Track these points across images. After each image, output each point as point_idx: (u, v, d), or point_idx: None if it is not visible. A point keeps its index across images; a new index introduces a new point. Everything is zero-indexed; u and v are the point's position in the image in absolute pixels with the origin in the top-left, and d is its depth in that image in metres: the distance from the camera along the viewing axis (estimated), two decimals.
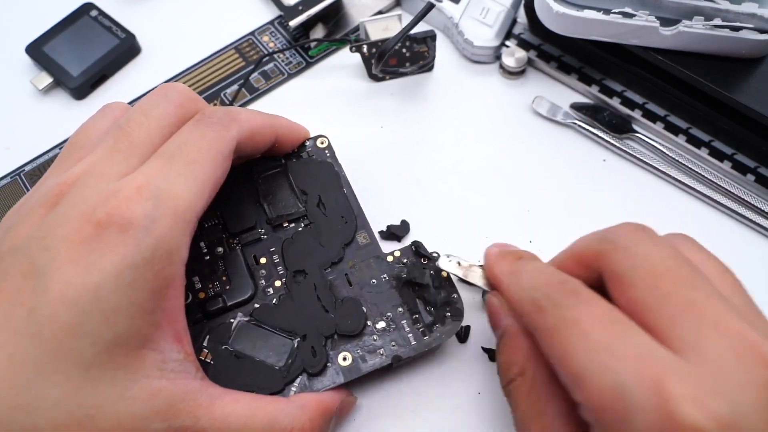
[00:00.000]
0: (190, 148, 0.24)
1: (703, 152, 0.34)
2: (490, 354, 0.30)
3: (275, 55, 0.38)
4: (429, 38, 0.36)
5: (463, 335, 0.30)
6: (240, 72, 0.38)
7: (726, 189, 0.33)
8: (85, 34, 0.38)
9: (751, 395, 0.18)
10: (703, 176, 0.33)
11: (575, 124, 0.35)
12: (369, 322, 0.27)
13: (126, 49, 0.38)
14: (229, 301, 0.28)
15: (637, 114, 0.35)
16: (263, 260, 0.29)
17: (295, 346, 0.27)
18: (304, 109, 0.35)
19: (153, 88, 0.37)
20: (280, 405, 0.25)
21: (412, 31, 0.34)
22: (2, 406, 0.20)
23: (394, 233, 0.32)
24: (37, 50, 0.37)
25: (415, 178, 0.34)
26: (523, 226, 0.33)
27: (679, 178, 0.34)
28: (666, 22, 0.32)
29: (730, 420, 0.17)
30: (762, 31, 0.31)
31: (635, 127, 0.35)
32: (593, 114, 0.35)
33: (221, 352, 0.27)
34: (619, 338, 0.19)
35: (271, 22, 0.39)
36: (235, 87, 0.37)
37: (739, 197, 0.33)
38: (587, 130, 0.35)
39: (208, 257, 0.29)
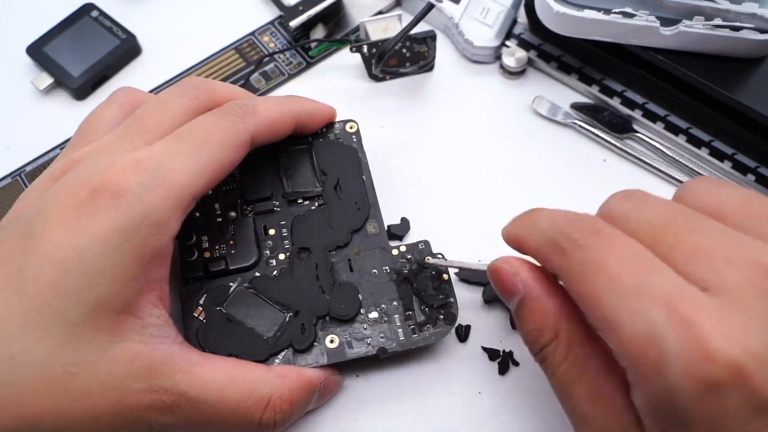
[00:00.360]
0: (201, 132, 0.25)
1: (704, 152, 0.34)
2: (491, 353, 0.30)
3: (275, 56, 0.38)
4: (429, 38, 0.36)
5: (463, 335, 0.30)
6: (240, 72, 0.38)
7: None
8: (85, 34, 0.38)
9: None
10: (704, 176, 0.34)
11: (575, 124, 0.35)
12: (362, 311, 0.28)
13: (127, 49, 0.38)
14: (232, 265, 0.28)
15: (637, 114, 0.35)
16: (272, 232, 0.29)
17: (286, 320, 0.27)
18: None
19: (154, 89, 0.37)
20: (259, 373, 0.25)
21: (413, 31, 0.34)
22: None
23: (395, 233, 0.32)
24: (37, 51, 0.37)
25: (415, 178, 0.34)
26: None
27: (679, 178, 0.34)
28: (666, 22, 0.32)
29: (765, 351, 0.17)
30: (762, 31, 0.31)
31: (635, 127, 0.35)
32: (593, 114, 0.35)
33: (215, 312, 0.27)
34: (647, 278, 0.19)
35: (272, 23, 0.39)
36: None
37: None
38: (587, 130, 0.35)
39: (220, 219, 0.29)
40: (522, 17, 0.37)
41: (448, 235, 0.32)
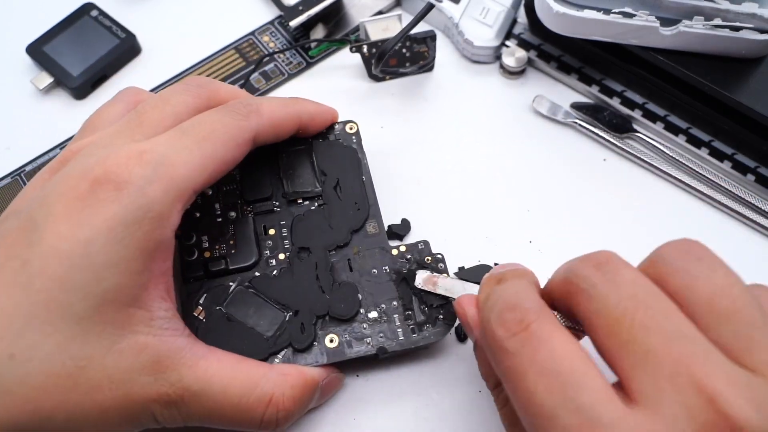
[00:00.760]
0: (204, 127, 0.25)
1: (703, 152, 0.34)
2: None
3: (275, 56, 0.38)
4: (429, 38, 0.36)
5: (462, 334, 0.30)
6: (240, 72, 0.38)
7: (726, 189, 0.33)
8: (85, 34, 0.38)
9: None
10: (704, 176, 0.34)
11: (576, 123, 0.35)
12: (362, 310, 0.28)
13: (126, 49, 0.38)
14: (232, 264, 0.28)
15: (637, 114, 0.35)
16: (272, 232, 0.29)
17: (286, 319, 0.27)
18: None
19: (154, 88, 0.37)
20: (262, 370, 0.25)
21: (412, 31, 0.34)
22: None
23: (396, 232, 0.32)
24: (37, 50, 0.37)
25: (415, 178, 0.34)
26: (524, 226, 0.33)
27: (679, 178, 0.34)
28: (666, 22, 0.32)
29: None
30: (762, 31, 0.31)
31: (635, 126, 0.35)
32: (593, 114, 0.35)
33: (215, 312, 0.27)
34: (560, 398, 0.18)
35: (272, 22, 0.39)
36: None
37: (739, 197, 0.33)
38: (588, 129, 0.35)
39: (220, 219, 0.29)
40: (522, 17, 0.37)
41: (448, 235, 0.32)
